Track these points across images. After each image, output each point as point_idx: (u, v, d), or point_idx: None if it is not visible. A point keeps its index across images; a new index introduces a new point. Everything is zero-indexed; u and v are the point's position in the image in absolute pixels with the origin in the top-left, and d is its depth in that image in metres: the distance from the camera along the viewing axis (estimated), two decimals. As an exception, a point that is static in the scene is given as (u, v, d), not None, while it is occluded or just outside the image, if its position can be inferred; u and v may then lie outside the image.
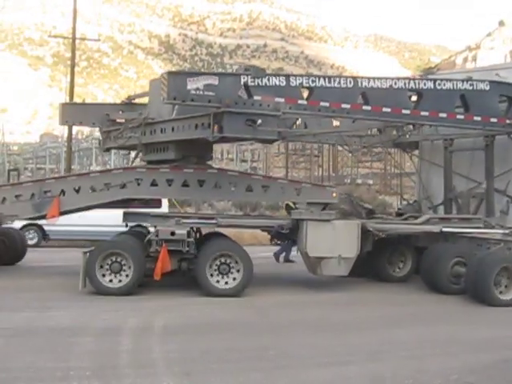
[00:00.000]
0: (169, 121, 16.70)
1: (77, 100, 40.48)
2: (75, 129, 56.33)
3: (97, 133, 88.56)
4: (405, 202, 22.89)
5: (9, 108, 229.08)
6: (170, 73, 14.59)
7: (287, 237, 17.78)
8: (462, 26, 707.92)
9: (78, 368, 8.92)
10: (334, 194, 18.03)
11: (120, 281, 14.97)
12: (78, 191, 16.88)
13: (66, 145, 50.45)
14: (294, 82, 15.49)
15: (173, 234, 15.16)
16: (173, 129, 16.49)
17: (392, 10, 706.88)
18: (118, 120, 19.33)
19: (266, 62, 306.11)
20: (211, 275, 15.23)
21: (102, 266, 14.91)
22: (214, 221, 16.41)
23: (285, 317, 13.39)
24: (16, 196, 16.92)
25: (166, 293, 15.55)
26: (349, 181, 55.85)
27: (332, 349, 10.67)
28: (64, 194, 16.79)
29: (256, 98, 14.93)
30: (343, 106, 15.86)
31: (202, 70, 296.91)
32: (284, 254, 22.69)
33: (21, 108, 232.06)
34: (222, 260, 15.32)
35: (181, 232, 15.24)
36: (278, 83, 15.23)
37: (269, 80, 15.16)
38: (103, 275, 14.92)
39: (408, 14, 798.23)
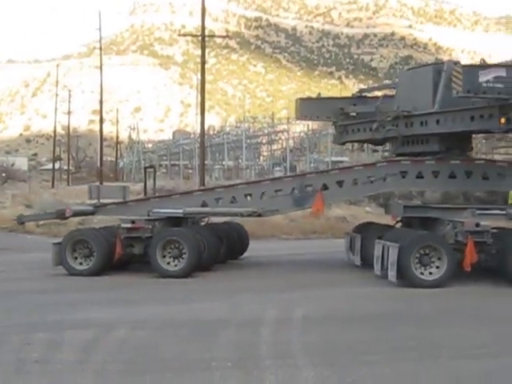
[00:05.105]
0: (433, 113, 16.59)
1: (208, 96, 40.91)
2: (207, 125, 57.17)
3: (227, 128, 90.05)
4: None
5: (142, 107, 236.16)
6: (464, 66, 14.55)
7: None
8: None
9: (220, 359, 8.93)
10: None
11: (431, 273, 14.87)
12: (340, 185, 17.20)
13: (198, 141, 51.41)
14: None
15: (477, 225, 15.01)
16: (437, 121, 16.43)
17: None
18: (351, 114, 19.57)
19: (394, 50, 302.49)
20: None
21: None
22: (503, 212, 16.18)
23: (436, 307, 13.05)
24: (275, 191, 17.46)
25: (304, 284, 15.58)
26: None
27: (483, 340, 10.25)
28: (326, 188, 17.16)
29: None
30: None
31: (329, 62, 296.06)
32: None
33: (153, 106, 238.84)
34: None
35: (485, 224, 15.12)
36: None
37: None
38: (416, 268, 14.82)
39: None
